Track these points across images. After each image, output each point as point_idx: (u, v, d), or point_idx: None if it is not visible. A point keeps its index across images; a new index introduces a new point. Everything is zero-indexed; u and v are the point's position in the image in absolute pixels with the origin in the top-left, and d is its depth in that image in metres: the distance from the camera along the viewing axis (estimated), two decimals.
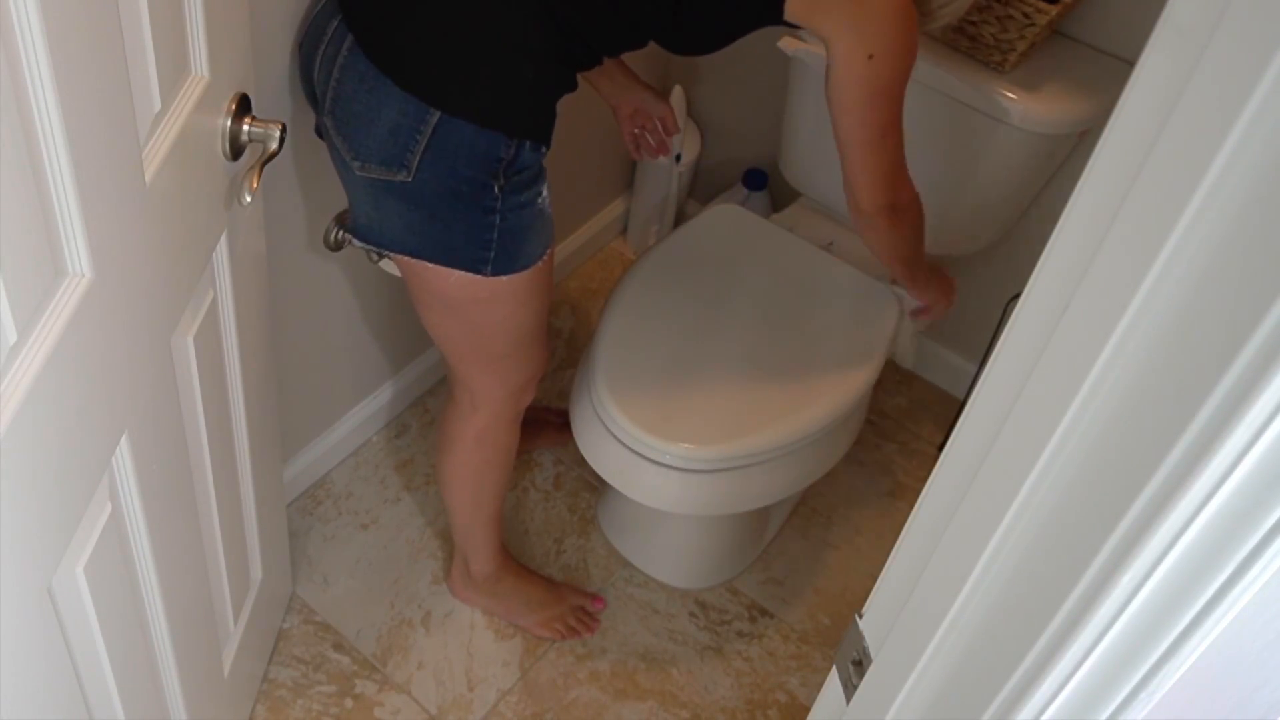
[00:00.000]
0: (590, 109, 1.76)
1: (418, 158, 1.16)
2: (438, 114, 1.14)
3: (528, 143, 1.18)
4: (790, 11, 1.17)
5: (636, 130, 1.69)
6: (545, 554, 1.84)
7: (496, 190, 1.18)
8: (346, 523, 1.84)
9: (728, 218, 1.74)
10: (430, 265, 1.25)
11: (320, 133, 1.27)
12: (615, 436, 1.47)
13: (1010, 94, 1.55)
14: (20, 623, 0.79)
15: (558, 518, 1.89)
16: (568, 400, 1.65)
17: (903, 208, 1.35)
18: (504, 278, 1.26)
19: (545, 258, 1.30)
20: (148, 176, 0.86)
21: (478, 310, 1.31)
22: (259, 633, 1.55)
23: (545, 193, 1.25)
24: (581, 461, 1.64)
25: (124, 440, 0.90)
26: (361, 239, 1.28)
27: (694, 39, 1.26)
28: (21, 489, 0.74)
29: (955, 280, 1.66)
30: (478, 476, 1.55)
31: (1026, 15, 1.49)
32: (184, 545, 1.12)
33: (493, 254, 1.23)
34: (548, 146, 1.22)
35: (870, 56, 1.17)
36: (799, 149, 1.83)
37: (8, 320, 0.70)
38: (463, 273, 1.24)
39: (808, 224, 1.84)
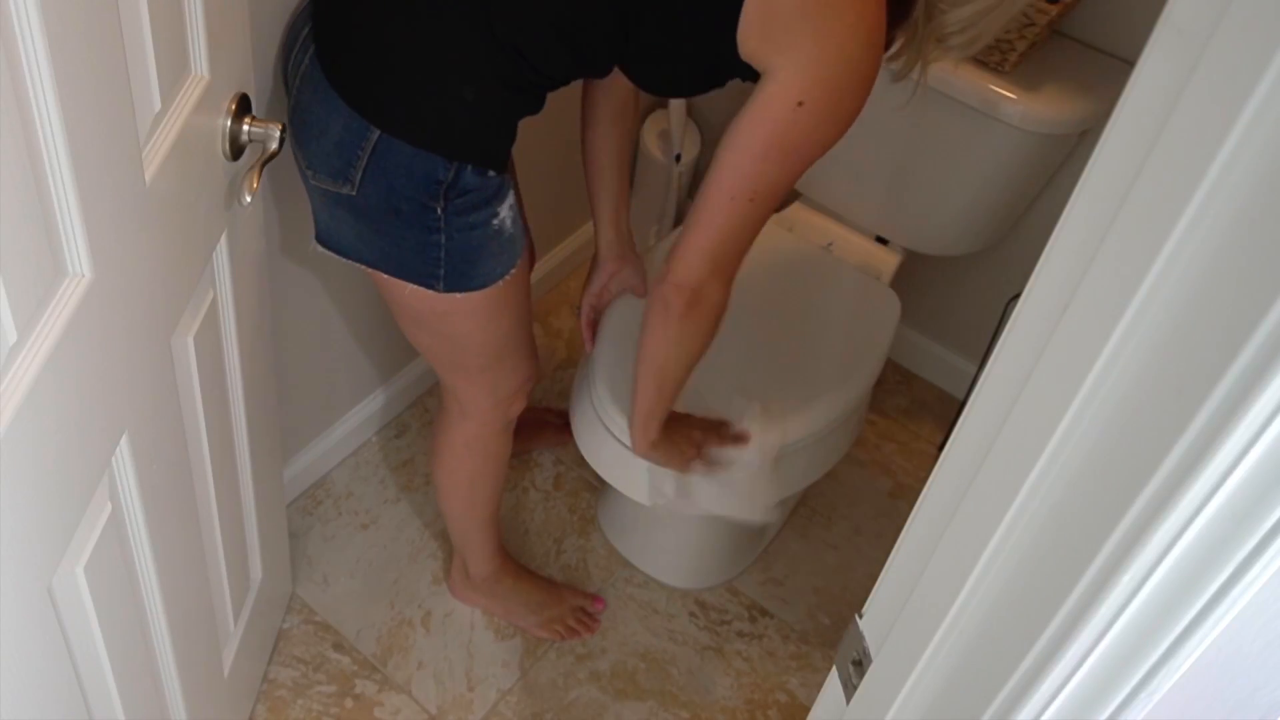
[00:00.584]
0: None
1: (359, 173, 1.13)
2: (378, 132, 1.11)
3: (469, 166, 1.13)
4: (743, 42, 1.05)
5: (594, 307, 1.58)
6: (545, 554, 1.84)
7: (439, 211, 1.14)
8: (346, 523, 1.84)
9: None
10: (386, 276, 1.23)
11: None
12: (615, 436, 1.47)
13: (1010, 94, 1.55)
14: (20, 623, 0.79)
15: (558, 518, 1.89)
16: (568, 400, 1.65)
17: (706, 305, 1.18)
18: (459, 295, 1.22)
19: (511, 276, 1.25)
20: (148, 177, 0.86)
21: (441, 323, 1.29)
22: (259, 633, 1.55)
23: (504, 213, 1.19)
24: (581, 461, 1.64)
25: (124, 440, 0.90)
26: (323, 245, 1.26)
27: (652, 76, 1.19)
28: (21, 489, 0.74)
29: (699, 447, 1.38)
30: (470, 483, 1.55)
31: (1026, 15, 1.49)
32: (184, 545, 1.12)
33: (443, 270, 1.19)
34: (497, 170, 1.16)
35: (800, 104, 1.03)
36: None
37: (8, 320, 0.70)
38: (416, 286, 1.22)
39: (807, 224, 1.84)
